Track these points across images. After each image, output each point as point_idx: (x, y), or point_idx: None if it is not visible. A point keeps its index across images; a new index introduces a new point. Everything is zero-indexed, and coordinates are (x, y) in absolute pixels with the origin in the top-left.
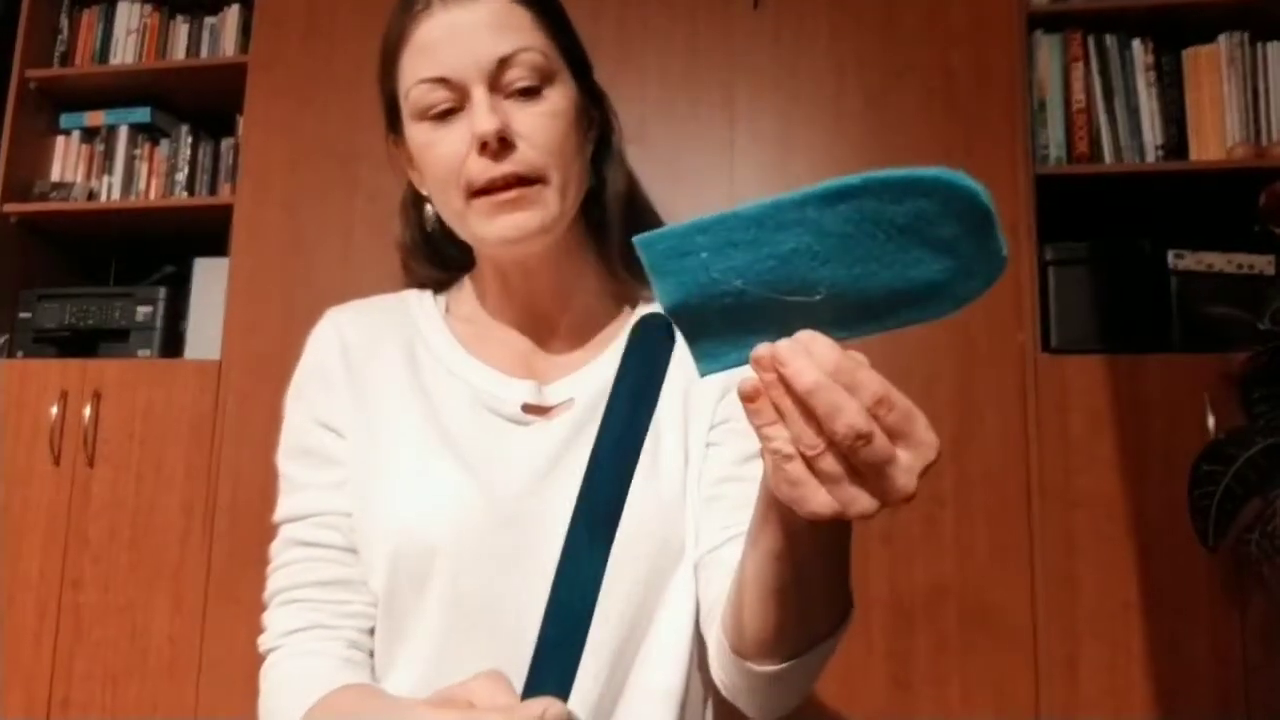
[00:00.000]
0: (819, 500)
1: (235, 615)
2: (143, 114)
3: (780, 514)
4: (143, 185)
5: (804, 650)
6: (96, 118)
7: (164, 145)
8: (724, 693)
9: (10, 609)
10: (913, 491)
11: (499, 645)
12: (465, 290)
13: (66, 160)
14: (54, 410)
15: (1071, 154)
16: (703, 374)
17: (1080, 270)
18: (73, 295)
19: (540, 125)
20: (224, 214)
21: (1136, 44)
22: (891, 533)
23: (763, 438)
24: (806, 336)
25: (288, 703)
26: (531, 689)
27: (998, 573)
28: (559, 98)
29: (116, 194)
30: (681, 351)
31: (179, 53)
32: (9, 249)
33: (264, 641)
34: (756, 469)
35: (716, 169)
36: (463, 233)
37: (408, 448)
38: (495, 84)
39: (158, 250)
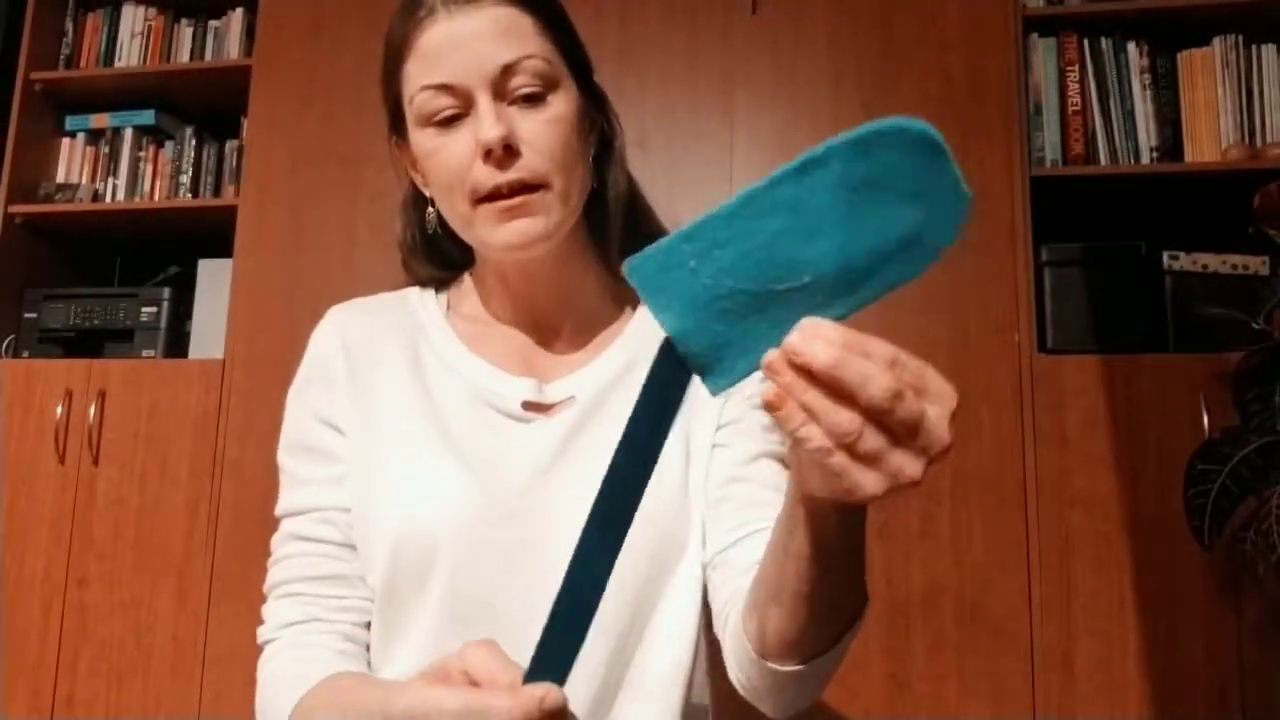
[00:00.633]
0: (870, 481)
1: (239, 613)
2: (147, 116)
3: (811, 516)
4: (147, 187)
5: (827, 647)
6: (101, 120)
7: (168, 147)
8: (744, 693)
9: (16, 606)
10: (950, 440)
11: (498, 630)
12: (466, 289)
13: (72, 162)
14: (59, 410)
15: (1067, 156)
16: (714, 393)
17: (1076, 271)
18: (78, 296)
19: (543, 132)
20: (228, 215)
21: (1131, 47)
22: (889, 531)
23: (798, 441)
24: (809, 324)
25: (283, 693)
26: (532, 676)
27: (995, 571)
28: (562, 104)
29: (121, 195)
30: None
31: (183, 55)
32: (15, 250)
33: (262, 633)
34: (763, 469)
35: (716, 173)
36: (468, 238)
37: (408, 444)
38: (499, 91)
39: (162, 251)
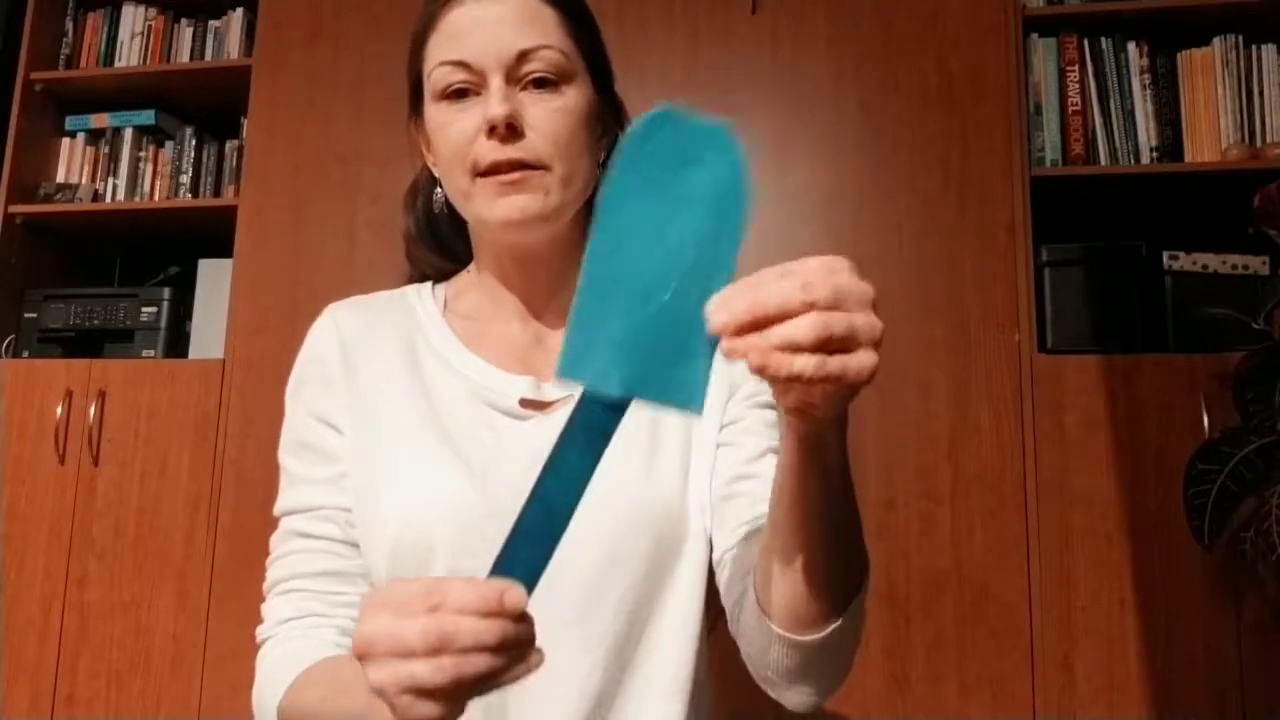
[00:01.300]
0: (858, 361)
1: (239, 612)
2: (147, 116)
3: (809, 449)
4: (147, 187)
5: (838, 611)
6: (101, 120)
7: (168, 147)
8: (767, 687)
9: (16, 606)
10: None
11: None
12: (464, 285)
13: (72, 162)
14: (59, 410)
15: (1067, 156)
16: (699, 411)
17: (1076, 271)
18: (78, 296)
19: (550, 118)
20: (228, 215)
21: (1131, 47)
22: (889, 531)
23: (798, 378)
24: (717, 298)
25: (277, 680)
26: (498, 570)
27: (995, 571)
28: (573, 96)
29: (121, 195)
30: None
31: (183, 56)
32: (15, 250)
33: (260, 631)
34: (769, 465)
35: None
36: (466, 213)
37: (407, 443)
38: (512, 75)
39: (162, 251)
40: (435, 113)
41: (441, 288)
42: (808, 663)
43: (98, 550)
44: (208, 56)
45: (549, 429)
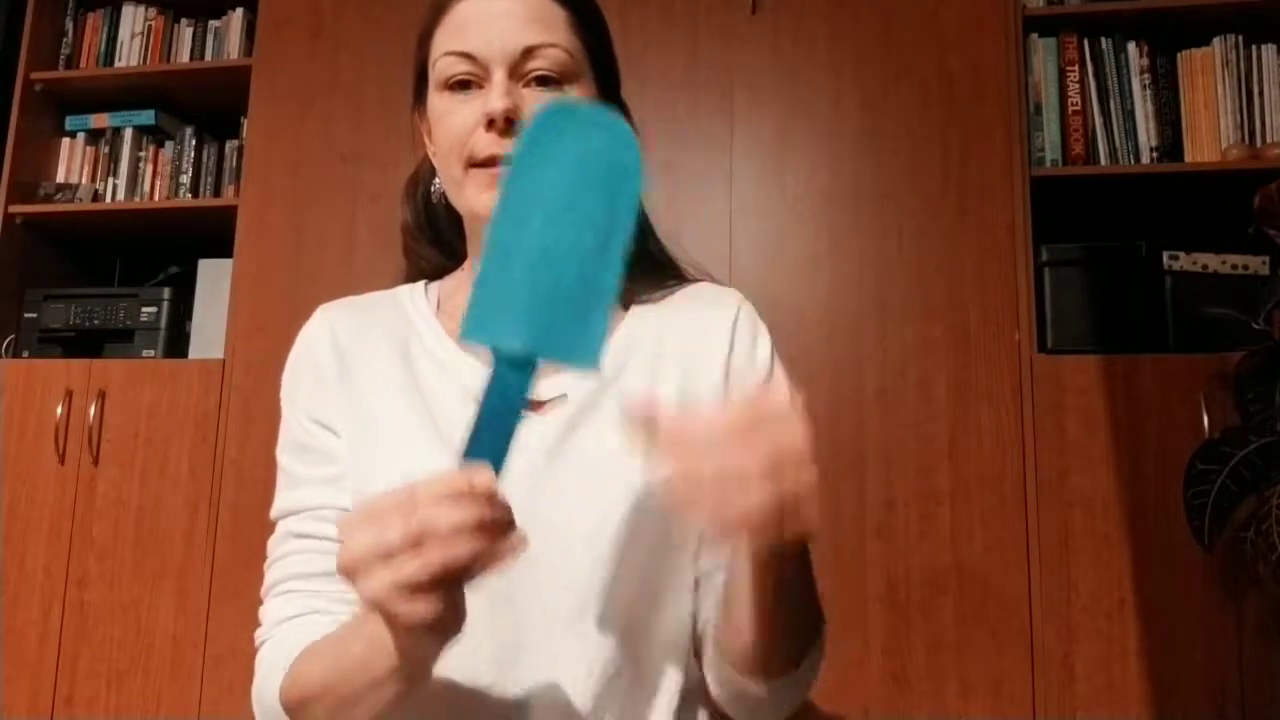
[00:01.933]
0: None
1: (239, 612)
2: (147, 116)
3: (758, 560)
4: (147, 187)
5: (797, 663)
6: (101, 120)
7: (168, 147)
8: (720, 704)
9: (16, 606)
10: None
11: (496, 641)
12: (457, 284)
13: (72, 162)
14: (59, 409)
15: (1067, 156)
16: (598, 368)
17: (1076, 271)
18: (78, 296)
19: None
20: (228, 215)
21: (1131, 47)
22: (889, 531)
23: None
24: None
25: (275, 669)
26: (467, 458)
27: (995, 571)
28: (576, 96)
29: (121, 195)
30: (668, 348)
31: (183, 56)
32: (15, 250)
33: (258, 634)
34: None
35: (716, 171)
36: (459, 203)
37: (402, 444)
38: (516, 71)
39: (162, 251)
40: (437, 102)
41: (434, 287)
42: (766, 701)
43: (98, 550)
44: (208, 56)
45: (545, 428)
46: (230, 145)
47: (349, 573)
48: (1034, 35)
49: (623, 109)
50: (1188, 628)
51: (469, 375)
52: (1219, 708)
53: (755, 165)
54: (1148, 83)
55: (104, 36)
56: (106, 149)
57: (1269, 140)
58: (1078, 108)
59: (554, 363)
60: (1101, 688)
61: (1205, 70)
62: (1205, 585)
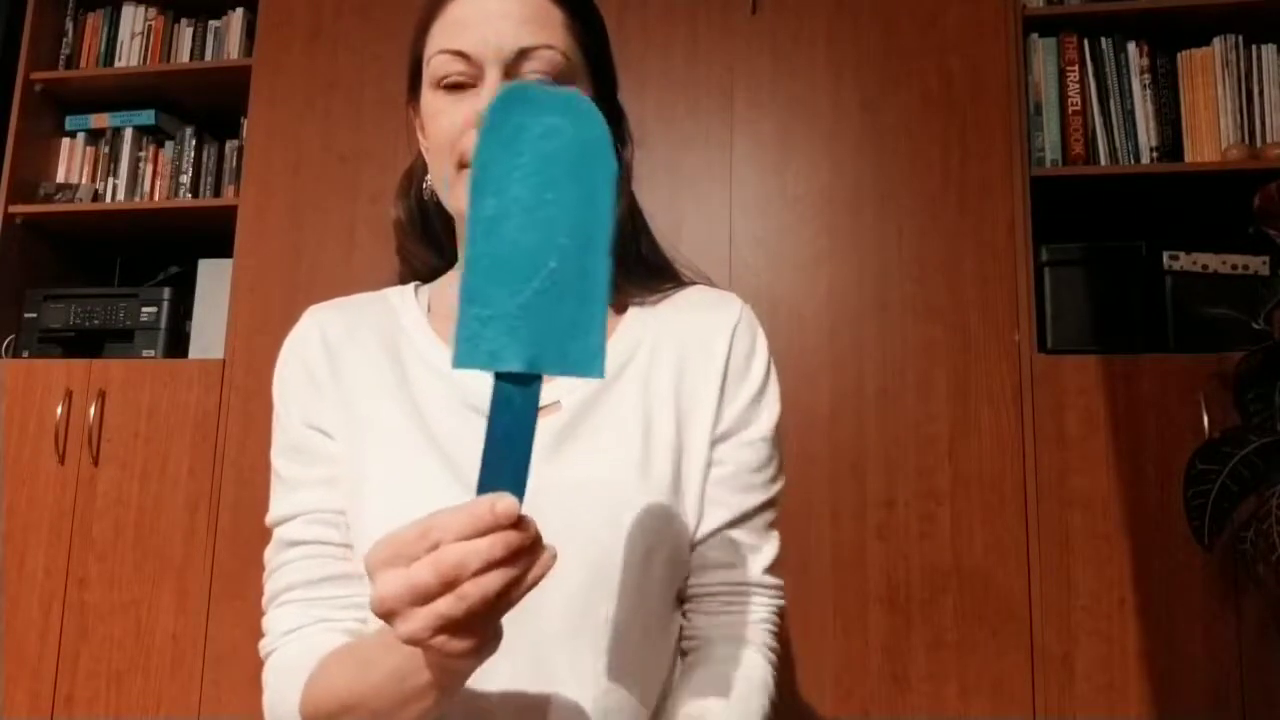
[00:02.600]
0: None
1: (239, 612)
2: (147, 116)
3: None
4: (147, 187)
5: None
6: (101, 120)
7: (168, 147)
8: None
9: (16, 606)
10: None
11: (489, 649)
12: (448, 284)
13: (72, 162)
14: (59, 410)
15: (1067, 156)
16: (600, 375)
17: (1076, 271)
18: (78, 296)
19: None
20: (228, 215)
21: (1131, 47)
22: (889, 532)
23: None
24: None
25: (292, 684)
26: (484, 487)
27: (994, 571)
28: None
29: (121, 195)
30: (660, 355)
31: (183, 56)
32: (14, 250)
33: (264, 646)
34: (716, 544)
35: (716, 171)
36: (448, 203)
37: (395, 451)
38: (511, 71)
39: (162, 251)
40: (431, 99)
41: (425, 290)
42: None
43: (98, 550)
44: (208, 56)
45: (539, 433)
46: (230, 145)
47: (384, 616)
48: (1034, 35)
49: (619, 112)
50: (1188, 628)
51: (458, 381)
52: (1219, 708)
53: (755, 165)
54: (1148, 83)
55: (104, 36)
56: (106, 149)
57: (1269, 140)
58: (1078, 108)
59: (555, 374)
60: (1101, 687)
61: (1205, 70)
62: (1205, 585)
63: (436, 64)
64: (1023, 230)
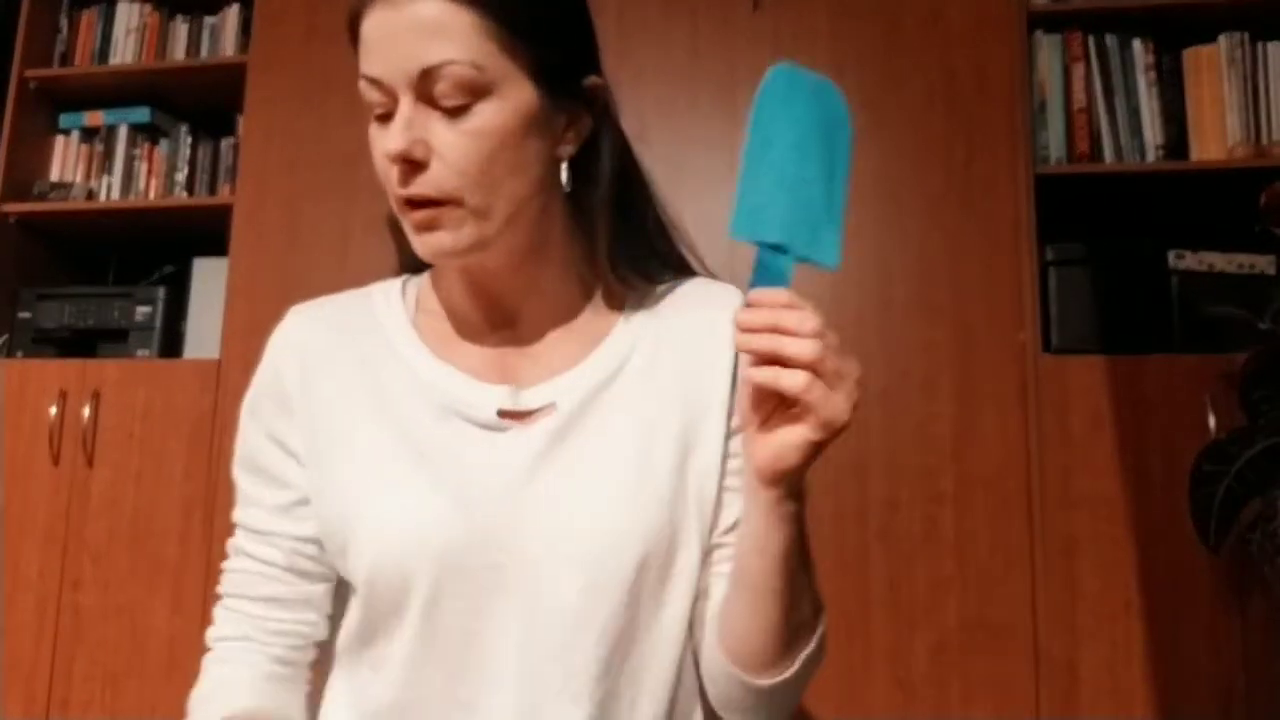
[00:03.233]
0: (834, 403)
1: None
2: (142, 114)
3: (771, 507)
4: (142, 185)
5: (798, 655)
6: (96, 118)
7: (163, 145)
8: (715, 706)
9: (9, 609)
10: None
11: (476, 657)
12: (436, 281)
13: (66, 160)
14: (53, 410)
15: (1072, 154)
16: (836, 267)
17: (1081, 270)
18: (72, 295)
19: (458, 145)
20: (223, 214)
21: (1137, 44)
22: (891, 534)
23: (774, 377)
24: (754, 295)
25: (205, 708)
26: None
27: (998, 573)
28: (491, 114)
29: (116, 194)
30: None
31: (179, 53)
32: (8, 249)
33: (208, 635)
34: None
35: (717, 169)
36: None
37: (374, 466)
38: (422, 93)
39: (157, 250)
40: (370, 125)
41: (414, 285)
42: (759, 701)
43: (92, 552)
44: (203, 53)
45: (529, 441)
46: (226, 143)
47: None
48: (1039, 32)
49: (584, 91)
50: (1193, 630)
51: (447, 386)
52: (1224, 711)
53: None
54: (1153, 80)
55: (98, 33)
56: (101, 147)
57: (1275, 138)
58: (1083, 105)
59: (802, 258)
60: (1106, 690)
61: (1211, 67)
62: (1211, 587)
63: (362, 89)
64: (1027, 229)
